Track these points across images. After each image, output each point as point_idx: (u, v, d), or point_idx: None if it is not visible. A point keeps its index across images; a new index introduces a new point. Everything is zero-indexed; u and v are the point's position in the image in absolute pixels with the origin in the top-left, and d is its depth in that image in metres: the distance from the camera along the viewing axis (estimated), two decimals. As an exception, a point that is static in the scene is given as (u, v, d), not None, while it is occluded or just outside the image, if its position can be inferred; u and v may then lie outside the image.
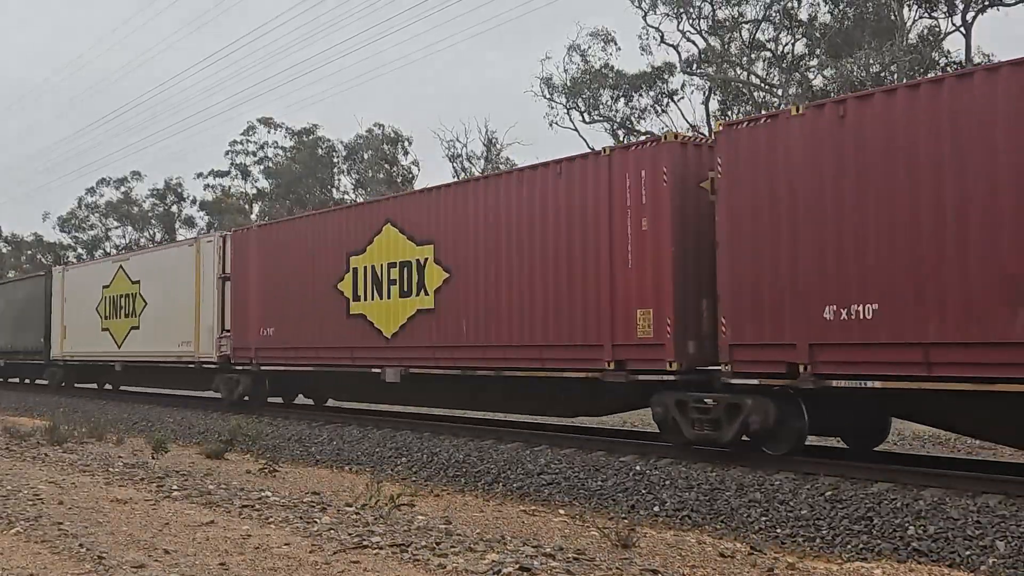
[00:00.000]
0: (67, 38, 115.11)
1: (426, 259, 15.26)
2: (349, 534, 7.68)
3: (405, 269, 15.71)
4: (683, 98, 37.30)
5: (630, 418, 17.83)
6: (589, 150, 13.92)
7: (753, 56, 33.83)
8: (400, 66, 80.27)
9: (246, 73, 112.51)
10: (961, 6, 29.45)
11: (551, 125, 38.49)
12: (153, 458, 14.64)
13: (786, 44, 33.67)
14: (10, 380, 34.73)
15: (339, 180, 53.42)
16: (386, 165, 49.88)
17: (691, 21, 34.18)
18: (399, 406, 18.44)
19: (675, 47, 35.48)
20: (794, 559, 8.35)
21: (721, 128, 11.09)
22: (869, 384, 9.59)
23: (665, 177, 11.49)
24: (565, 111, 37.86)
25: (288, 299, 18.48)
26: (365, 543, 7.31)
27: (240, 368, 20.18)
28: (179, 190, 61.59)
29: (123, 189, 63.26)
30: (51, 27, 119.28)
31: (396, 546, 7.23)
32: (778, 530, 9.30)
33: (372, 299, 16.38)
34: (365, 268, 16.59)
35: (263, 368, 19.37)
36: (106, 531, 7.85)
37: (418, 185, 48.86)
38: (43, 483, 10.56)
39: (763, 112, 13.01)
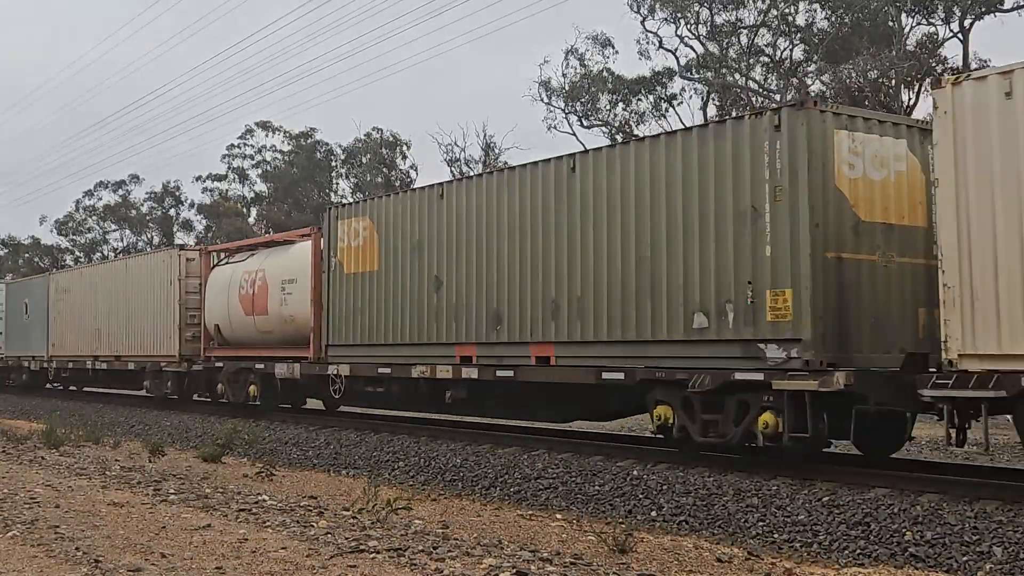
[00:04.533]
0: (66, 41, 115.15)
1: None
2: (346, 538, 7.67)
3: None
4: (681, 103, 37.34)
5: (627, 424, 17.81)
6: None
7: (751, 61, 33.87)
8: (398, 70, 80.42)
9: (244, 77, 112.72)
10: (959, 13, 29.52)
11: (549, 129, 38.53)
12: (150, 462, 14.62)
13: (784, 50, 33.75)
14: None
15: (337, 184, 53.44)
16: (384, 169, 49.89)
17: (689, 26, 34.24)
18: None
19: (673, 52, 35.53)
20: (791, 564, 8.35)
21: None
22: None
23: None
24: (563, 115, 37.92)
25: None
26: (362, 547, 7.30)
27: None
28: (177, 193, 61.50)
29: (121, 192, 63.19)
30: (50, 30, 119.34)
31: (393, 550, 7.23)
32: (775, 535, 9.29)
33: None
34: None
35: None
36: (102, 535, 7.83)
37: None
38: (40, 486, 10.54)
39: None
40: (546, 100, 37.70)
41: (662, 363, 11.30)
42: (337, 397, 17.37)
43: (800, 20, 32.57)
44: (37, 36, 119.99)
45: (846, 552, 8.69)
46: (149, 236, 61.73)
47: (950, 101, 9.07)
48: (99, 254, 61.59)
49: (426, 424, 17.14)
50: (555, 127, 38.27)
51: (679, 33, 34.62)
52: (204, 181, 58.72)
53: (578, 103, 37.26)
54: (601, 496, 11.16)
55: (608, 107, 37.24)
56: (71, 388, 30.62)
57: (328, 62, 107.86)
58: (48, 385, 31.33)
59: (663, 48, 35.56)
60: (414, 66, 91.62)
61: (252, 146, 56.73)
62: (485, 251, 14.02)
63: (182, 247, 23.54)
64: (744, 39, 33.71)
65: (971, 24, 29.75)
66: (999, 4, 29.08)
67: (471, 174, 15.78)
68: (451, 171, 43.58)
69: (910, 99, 30.75)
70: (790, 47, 33.53)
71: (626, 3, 34.45)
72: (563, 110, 37.70)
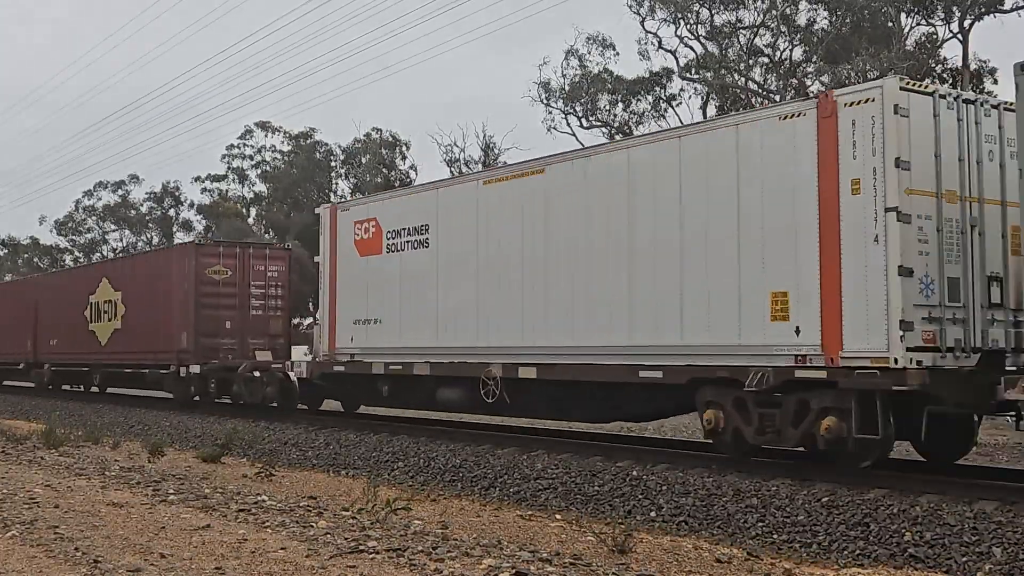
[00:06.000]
0: (66, 41, 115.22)
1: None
2: (345, 539, 7.67)
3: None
4: (681, 103, 37.35)
5: (627, 424, 17.80)
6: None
7: (751, 62, 33.88)
8: (398, 70, 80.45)
9: (244, 77, 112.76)
10: (958, 13, 29.55)
11: (549, 130, 38.50)
12: (149, 462, 14.62)
13: (784, 50, 33.75)
14: None
15: (337, 184, 53.45)
16: (384, 169, 49.91)
17: (689, 27, 34.26)
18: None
19: (673, 52, 35.53)
20: (791, 565, 8.35)
21: None
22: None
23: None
24: (563, 116, 37.91)
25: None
26: (361, 548, 7.30)
27: None
28: (176, 194, 61.57)
29: (120, 192, 63.27)
30: (49, 31, 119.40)
31: (392, 551, 7.23)
32: (775, 536, 9.30)
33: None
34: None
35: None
36: (102, 535, 7.84)
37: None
38: (39, 486, 10.55)
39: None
40: (545, 101, 37.72)
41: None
42: None
43: (800, 20, 32.61)
44: (37, 36, 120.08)
45: (845, 553, 8.70)
46: (149, 236, 61.78)
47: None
48: (98, 254, 61.48)
49: (426, 424, 17.16)
50: (554, 128, 38.22)
51: (679, 33, 34.68)
52: (203, 181, 58.82)
53: (577, 104, 37.27)
54: (600, 496, 11.17)
55: (608, 107, 37.26)
56: None
57: (328, 62, 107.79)
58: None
59: (663, 48, 35.61)
60: (414, 66, 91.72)
61: (252, 146, 56.84)
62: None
63: None
64: (744, 39, 33.73)
65: (971, 25, 29.79)
66: (999, 4, 29.11)
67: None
68: (451, 171, 43.53)
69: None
70: (790, 47, 33.56)
71: (626, 3, 34.49)
72: (562, 111, 37.72)
